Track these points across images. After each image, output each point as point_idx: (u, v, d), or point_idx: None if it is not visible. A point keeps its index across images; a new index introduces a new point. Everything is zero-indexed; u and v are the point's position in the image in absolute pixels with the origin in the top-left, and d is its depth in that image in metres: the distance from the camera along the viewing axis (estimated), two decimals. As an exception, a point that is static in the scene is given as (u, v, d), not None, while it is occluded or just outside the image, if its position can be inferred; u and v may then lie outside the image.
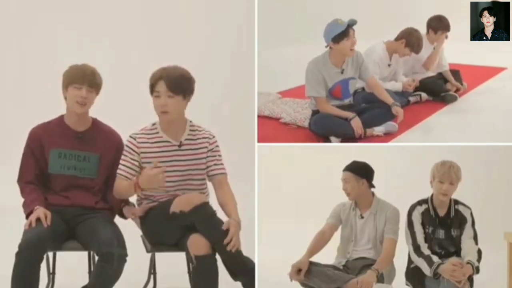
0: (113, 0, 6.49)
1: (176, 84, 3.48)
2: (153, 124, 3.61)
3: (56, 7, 6.39)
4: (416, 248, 3.49)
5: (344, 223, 3.78)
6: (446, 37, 5.33)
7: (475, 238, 3.55)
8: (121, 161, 3.56)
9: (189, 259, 3.46)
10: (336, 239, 3.80)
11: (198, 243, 3.35)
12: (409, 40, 4.92)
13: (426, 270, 3.41)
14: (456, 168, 3.56)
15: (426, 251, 3.47)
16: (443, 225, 3.56)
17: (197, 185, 3.60)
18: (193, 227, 3.39)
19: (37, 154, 3.59)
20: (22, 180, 3.60)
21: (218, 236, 3.35)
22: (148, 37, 6.47)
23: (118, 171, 3.55)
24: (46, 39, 6.34)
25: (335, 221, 3.79)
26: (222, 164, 3.64)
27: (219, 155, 3.64)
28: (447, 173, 3.52)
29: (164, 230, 3.48)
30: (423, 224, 3.56)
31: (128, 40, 6.44)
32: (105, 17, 6.42)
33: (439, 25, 5.30)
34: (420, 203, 3.61)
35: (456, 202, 3.61)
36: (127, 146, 3.56)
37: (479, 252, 3.47)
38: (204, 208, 3.39)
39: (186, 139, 3.59)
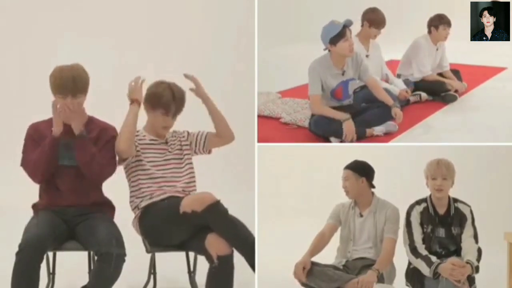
0: (113, 0, 6.49)
1: (182, 108, 3.71)
2: (137, 131, 3.73)
3: (56, 7, 6.39)
4: (413, 249, 3.48)
5: (343, 223, 3.78)
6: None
7: (475, 236, 3.54)
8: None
9: (208, 260, 3.40)
10: (336, 239, 3.80)
11: (219, 243, 3.36)
12: (369, 18, 4.93)
13: (425, 270, 3.40)
14: (445, 162, 3.57)
15: (424, 252, 3.46)
16: (444, 224, 3.55)
17: (182, 173, 3.69)
18: (203, 228, 3.39)
19: (39, 142, 3.52)
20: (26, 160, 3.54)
21: (236, 235, 3.36)
22: (148, 37, 6.47)
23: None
24: (46, 39, 6.34)
25: (334, 222, 3.79)
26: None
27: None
28: (437, 169, 3.54)
29: (171, 231, 3.48)
30: (422, 224, 3.55)
31: (128, 40, 6.44)
32: (105, 17, 6.42)
33: (440, 21, 5.30)
34: (418, 202, 3.60)
35: (455, 200, 3.61)
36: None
37: (479, 251, 3.46)
38: (217, 207, 3.39)
39: (169, 137, 3.78)
